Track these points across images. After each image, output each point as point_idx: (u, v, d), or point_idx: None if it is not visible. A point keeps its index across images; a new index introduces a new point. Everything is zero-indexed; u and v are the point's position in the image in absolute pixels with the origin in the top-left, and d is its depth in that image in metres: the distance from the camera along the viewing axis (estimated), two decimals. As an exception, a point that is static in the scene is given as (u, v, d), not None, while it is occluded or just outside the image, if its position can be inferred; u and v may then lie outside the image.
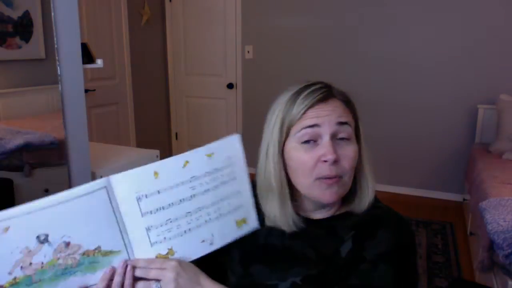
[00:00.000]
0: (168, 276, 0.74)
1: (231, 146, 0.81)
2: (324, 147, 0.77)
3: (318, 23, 3.82)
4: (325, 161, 0.77)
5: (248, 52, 4.13)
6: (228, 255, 0.91)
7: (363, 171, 0.84)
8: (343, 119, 0.78)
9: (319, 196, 0.79)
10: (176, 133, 4.68)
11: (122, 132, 3.99)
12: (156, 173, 0.75)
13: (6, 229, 0.68)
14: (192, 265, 0.78)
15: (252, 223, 0.85)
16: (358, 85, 3.68)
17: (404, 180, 3.80)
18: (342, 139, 0.79)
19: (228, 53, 4.22)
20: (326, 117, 0.77)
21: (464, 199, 3.43)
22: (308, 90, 0.80)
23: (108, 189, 0.72)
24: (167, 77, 4.54)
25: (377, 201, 0.86)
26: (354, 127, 0.82)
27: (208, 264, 1.00)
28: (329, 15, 3.77)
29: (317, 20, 3.82)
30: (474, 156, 3.09)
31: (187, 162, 0.77)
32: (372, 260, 0.76)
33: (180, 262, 0.76)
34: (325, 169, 0.77)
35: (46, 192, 1.64)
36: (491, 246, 1.88)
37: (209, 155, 0.79)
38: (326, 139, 0.77)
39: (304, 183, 0.80)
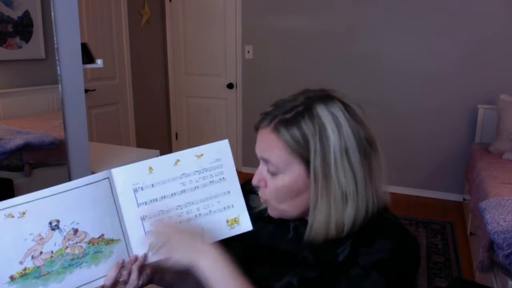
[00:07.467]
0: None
1: (220, 149, 0.87)
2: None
3: (318, 23, 3.82)
4: None
5: (248, 52, 4.14)
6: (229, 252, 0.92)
7: (316, 208, 0.75)
8: (264, 155, 0.78)
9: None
10: (176, 133, 4.68)
11: (122, 132, 3.99)
12: (151, 168, 0.83)
13: (23, 213, 0.73)
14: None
15: (244, 225, 0.87)
16: (358, 86, 3.69)
17: (404, 180, 3.80)
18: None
19: (228, 53, 4.22)
20: (256, 146, 0.80)
21: (464, 199, 3.43)
22: (264, 111, 0.80)
23: (110, 180, 0.81)
24: (167, 77, 4.54)
25: (386, 212, 0.83)
26: (304, 160, 0.75)
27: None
28: (329, 15, 3.77)
29: (317, 20, 3.82)
30: (474, 156, 3.08)
31: (178, 160, 0.84)
32: (365, 267, 0.73)
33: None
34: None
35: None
36: (491, 246, 1.88)
37: (199, 156, 0.85)
38: (261, 163, 0.81)
39: None
